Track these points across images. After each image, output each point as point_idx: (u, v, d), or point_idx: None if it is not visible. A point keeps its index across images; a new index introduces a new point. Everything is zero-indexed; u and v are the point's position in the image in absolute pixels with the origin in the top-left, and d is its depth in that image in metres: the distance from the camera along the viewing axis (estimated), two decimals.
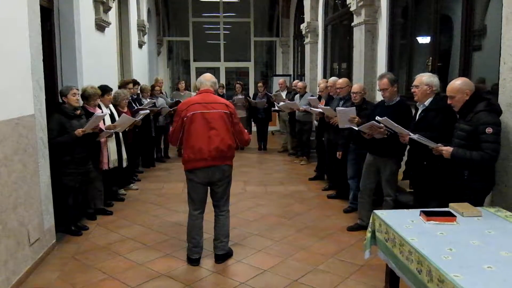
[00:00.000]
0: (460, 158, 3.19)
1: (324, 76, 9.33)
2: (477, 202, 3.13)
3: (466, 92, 3.24)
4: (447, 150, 3.25)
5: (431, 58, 5.15)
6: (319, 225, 4.98)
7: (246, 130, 4.21)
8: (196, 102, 3.82)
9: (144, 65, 10.60)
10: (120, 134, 5.52)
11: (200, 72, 14.03)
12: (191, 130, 3.76)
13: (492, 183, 3.32)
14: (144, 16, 10.22)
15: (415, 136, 3.46)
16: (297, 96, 8.27)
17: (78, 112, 4.59)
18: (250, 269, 3.85)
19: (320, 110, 6.10)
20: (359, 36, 6.70)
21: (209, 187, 3.95)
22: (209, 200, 4.02)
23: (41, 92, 4.03)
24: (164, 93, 9.19)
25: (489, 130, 3.08)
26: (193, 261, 3.94)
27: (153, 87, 8.26)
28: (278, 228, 4.87)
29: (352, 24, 6.91)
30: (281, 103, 8.45)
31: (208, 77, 4.01)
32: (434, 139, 3.39)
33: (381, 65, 6.33)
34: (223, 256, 3.99)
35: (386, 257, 2.90)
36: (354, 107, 4.92)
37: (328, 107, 5.90)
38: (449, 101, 3.35)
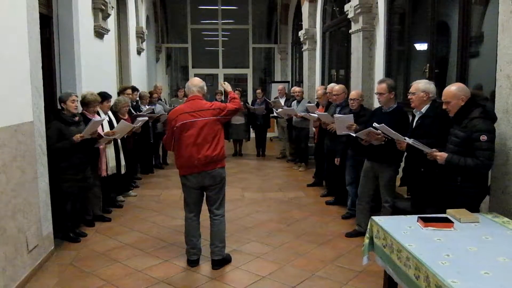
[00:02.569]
0: (455, 165, 3.19)
1: (322, 83, 9.35)
2: (471, 208, 3.13)
3: (462, 98, 3.25)
4: (441, 155, 3.26)
5: (428, 65, 5.18)
6: (317, 231, 4.98)
7: (234, 98, 4.11)
8: (184, 111, 3.87)
9: (142, 72, 10.63)
10: (119, 140, 5.52)
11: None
12: (181, 139, 3.85)
13: (485, 189, 3.33)
14: (143, 23, 10.27)
15: (410, 141, 3.48)
16: (295, 102, 8.29)
17: (77, 118, 4.60)
18: (249, 276, 3.84)
19: (317, 116, 6.11)
20: (356, 43, 6.74)
21: (204, 192, 4.02)
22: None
23: (40, 99, 4.04)
24: (163, 100, 9.19)
25: (483, 137, 3.08)
26: (191, 262, 4.04)
27: (151, 93, 8.27)
28: (277, 235, 4.87)
29: (350, 31, 6.95)
30: (279, 109, 8.48)
31: (195, 81, 4.03)
32: (431, 145, 3.39)
33: (379, 72, 6.36)
34: (219, 261, 4.00)
35: (384, 263, 2.90)
36: (352, 114, 4.93)
37: (326, 113, 5.92)
38: (444, 106, 3.36)
